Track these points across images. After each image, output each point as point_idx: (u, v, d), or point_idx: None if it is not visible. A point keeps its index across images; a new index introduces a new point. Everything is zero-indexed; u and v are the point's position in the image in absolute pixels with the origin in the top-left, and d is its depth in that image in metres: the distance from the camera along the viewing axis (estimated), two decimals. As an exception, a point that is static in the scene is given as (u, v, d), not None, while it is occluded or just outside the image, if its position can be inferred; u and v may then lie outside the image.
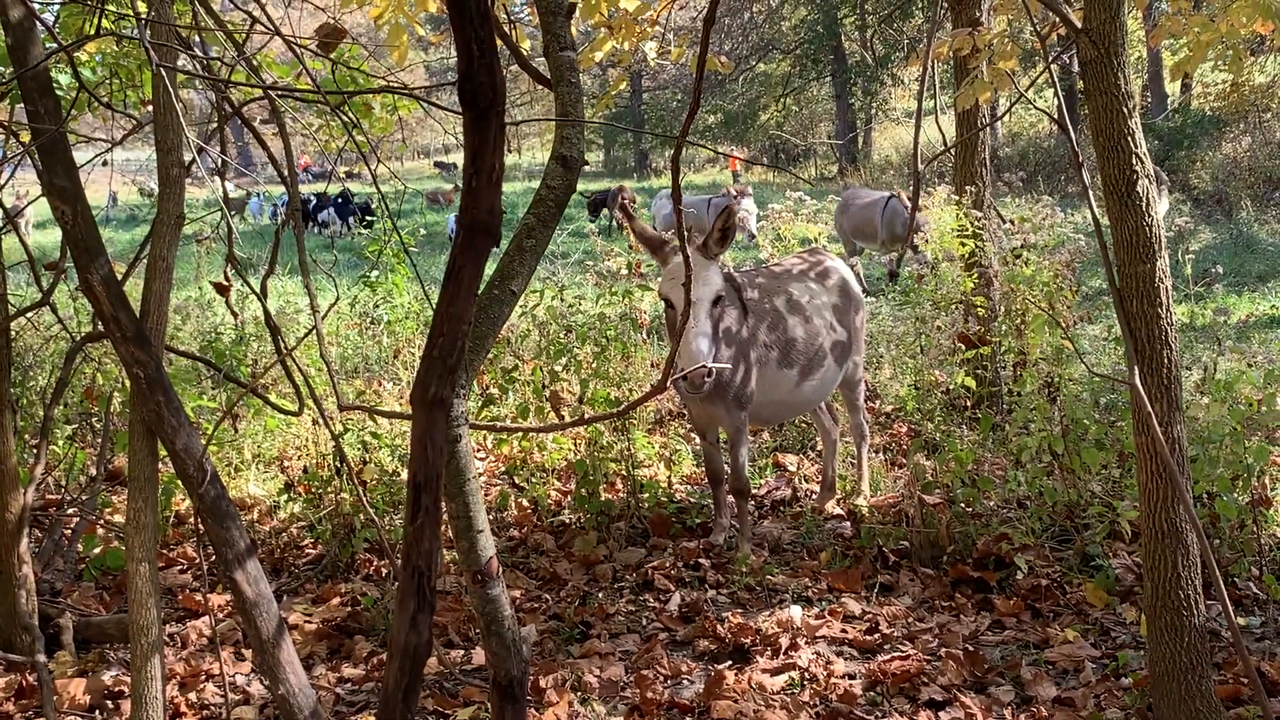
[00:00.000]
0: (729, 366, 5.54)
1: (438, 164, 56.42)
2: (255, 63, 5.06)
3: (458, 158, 51.46)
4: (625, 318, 7.69)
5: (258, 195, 31.66)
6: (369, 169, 4.16)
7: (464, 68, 1.42)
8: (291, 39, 3.66)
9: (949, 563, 5.58)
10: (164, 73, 3.20)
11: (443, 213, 34.90)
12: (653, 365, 8.96)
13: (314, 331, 4.82)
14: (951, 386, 7.82)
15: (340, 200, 28.24)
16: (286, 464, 7.29)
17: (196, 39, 4.46)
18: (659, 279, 5.58)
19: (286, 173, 5.48)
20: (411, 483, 1.67)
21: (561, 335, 7.33)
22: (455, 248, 1.56)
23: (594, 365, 7.02)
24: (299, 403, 4.56)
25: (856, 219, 15.90)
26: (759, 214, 16.86)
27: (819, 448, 7.61)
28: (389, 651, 1.85)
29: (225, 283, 4.87)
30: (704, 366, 4.96)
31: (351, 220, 27.39)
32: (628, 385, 7.39)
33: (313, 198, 27.99)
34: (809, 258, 6.78)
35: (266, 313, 4.87)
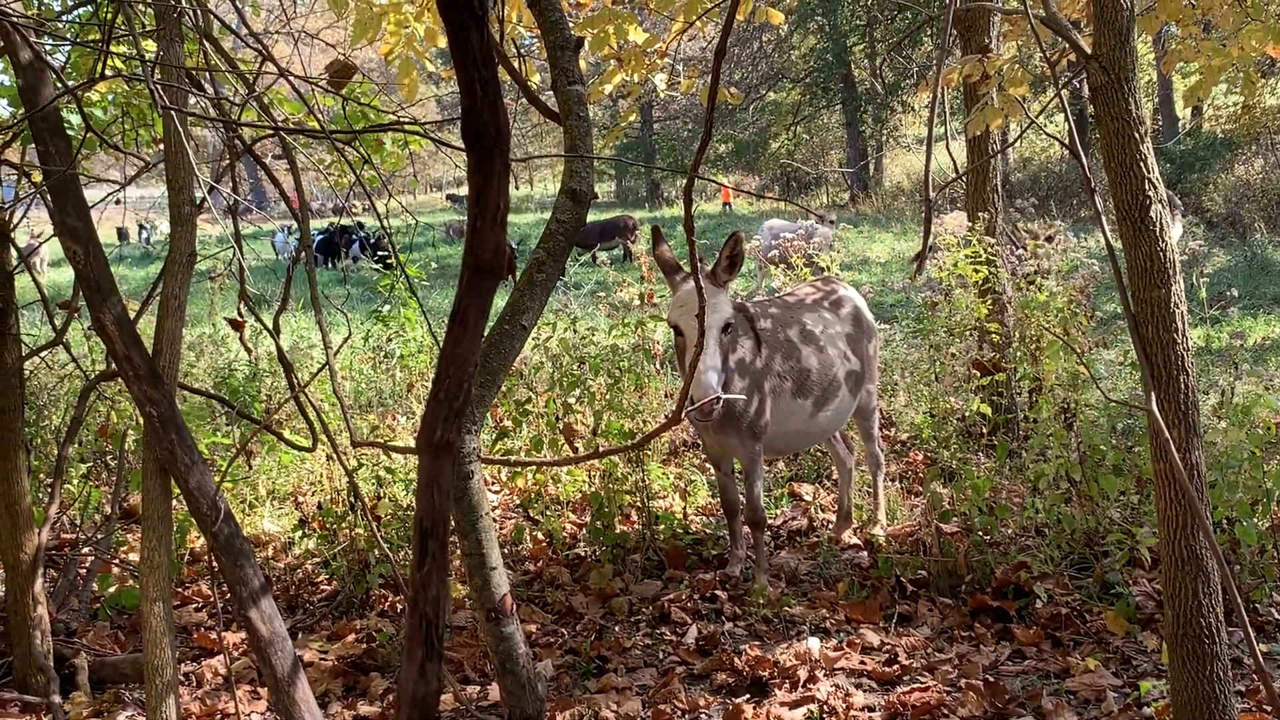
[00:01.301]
0: (741, 397, 5.53)
1: (450, 197, 56.67)
2: (265, 100, 5.10)
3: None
4: (638, 348, 7.68)
5: (283, 228, 31.80)
6: (375, 204, 4.17)
7: (467, 107, 1.42)
8: (301, 77, 3.68)
9: (967, 592, 5.54)
10: (173, 113, 3.22)
11: (457, 245, 35.08)
12: (666, 395, 8.95)
13: (327, 367, 4.83)
14: (967, 413, 7.79)
15: (366, 233, 28.45)
16: (301, 500, 7.28)
17: (207, 77, 4.49)
18: (669, 307, 5.58)
19: (298, 209, 5.51)
20: (418, 528, 1.67)
21: (575, 367, 7.32)
22: (460, 288, 1.56)
23: (607, 397, 7.01)
24: (313, 438, 4.57)
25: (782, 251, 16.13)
26: (773, 244, 16.83)
27: (834, 477, 7.58)
28: (397, 701, 1.83)
29: (239, 319, 4.89)
30: (715, 397, 4.95)
31: (377, 253, 27.59)
32: (642, 416, 7.37)
33: (339, 229, 28.15)
34: (822, 287, 6.78)
35: (279, 349, 4.88)
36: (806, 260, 10.41)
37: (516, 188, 60.62)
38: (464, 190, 54.26)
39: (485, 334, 3.25)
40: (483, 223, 1.49)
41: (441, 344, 1.59)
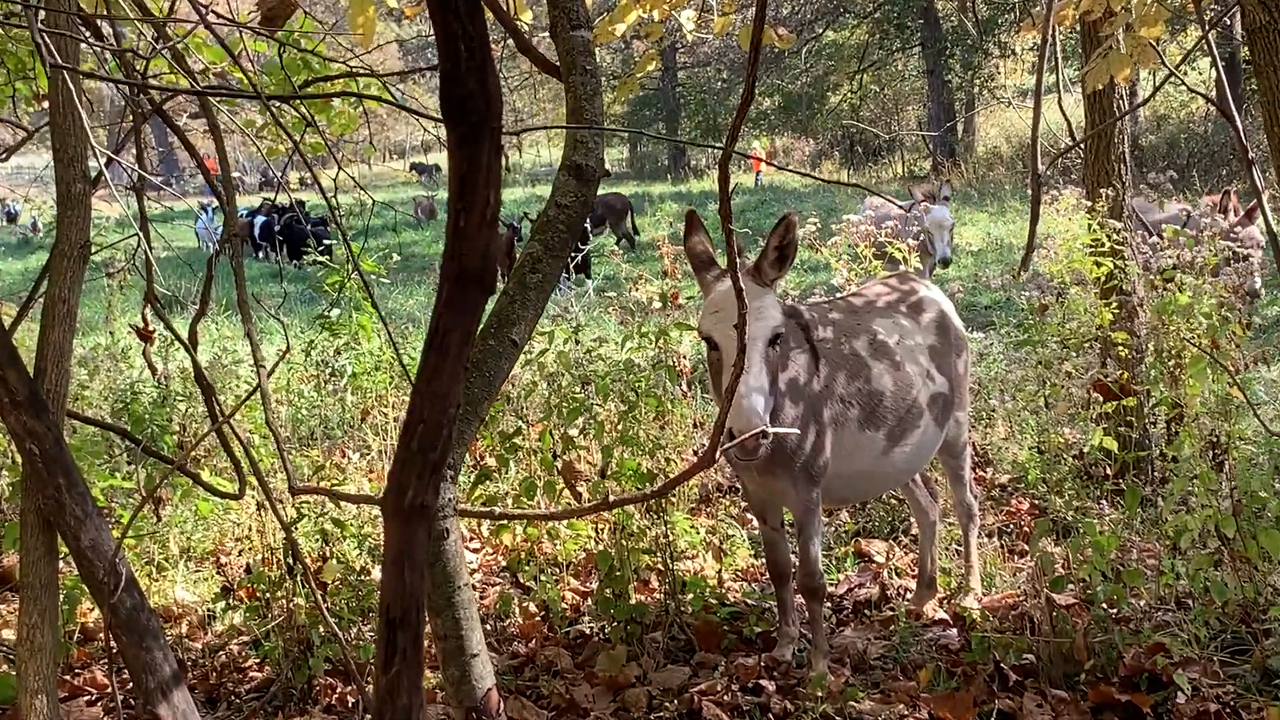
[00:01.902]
0: (794, 431, 5.52)
1: (416, 167, 56.87)
2: (180, 48, 5.12)
3: (440, 158, 51.90)
4: (660, 365, 7.69)
5: (206, 209, 31.68)
6: (319, 177, 4.19)
7: (448, 71, 1.41)
8: (226, 19, 3.71)
9: (1088, 682, 5.52)
10: (62, 65, 3.24)
11: (427, 230, 35.16)
12: (696, 425, 8.95)
13: (258, 390, 4.85)
14: (1086, 449, 7.76)
15: (310, 216, 28.53)
16: (224, 561, 7.30)
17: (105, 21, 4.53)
18: (700, 313, 5.57)
19: (220, 183, 5.54)
20: (384, 617, 1.66)
21: (577, 390, 7.33)
22: (439, 305, 1.56)
23: (620, 428, 7.01)
24: (239, 482, 4.58)
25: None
26: (835, 225, 16.68)
27: (913, 532, 7.57)
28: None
29: (146, 327, 4.92)
30: (760, 430, 4.94)
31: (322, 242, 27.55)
32: (664, 454, 7.37)
33: (283, 210, 28.24)
34: (898, 285, 6.78)
35: (196, 366, 4.90)
36: (925, 247, 10.33)
37: (506, 165, 60.85)
38: (433, 159, 54.51)
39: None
40: (468, 220, 1.49)
41: (415, 377, 1.59)
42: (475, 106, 1.45)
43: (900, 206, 15.39)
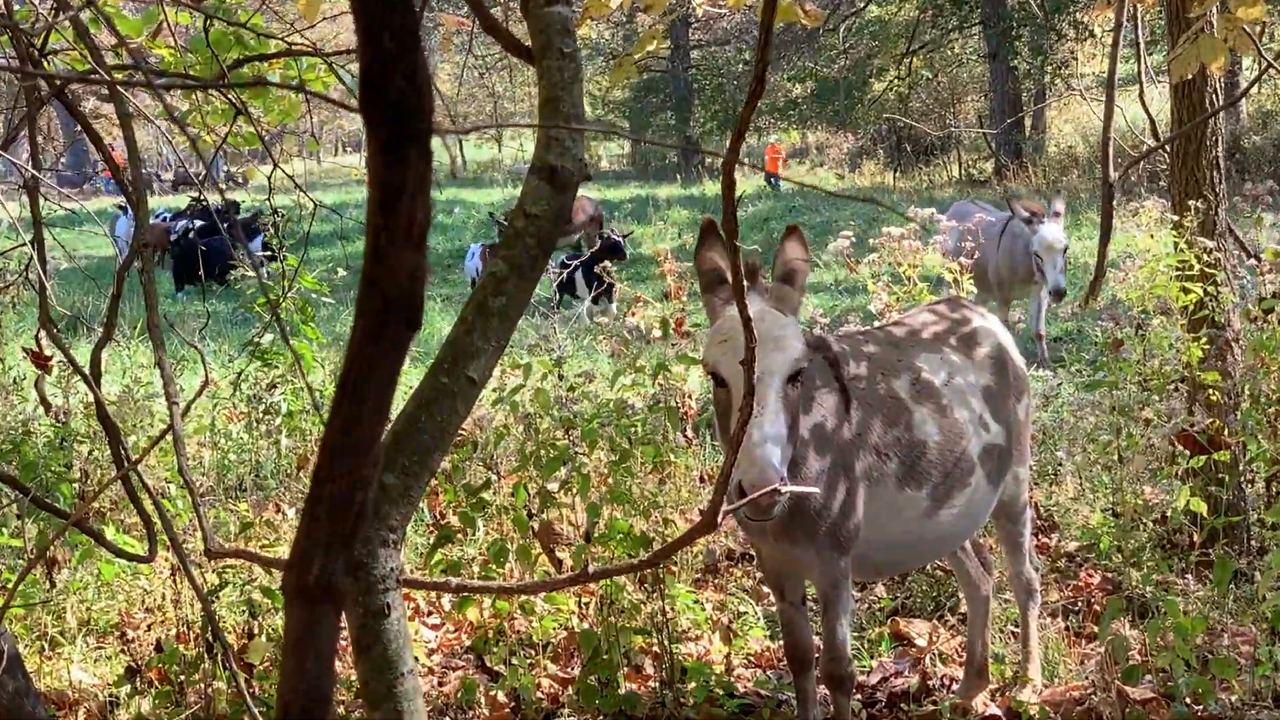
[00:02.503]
0: (815, 490, 5.51)
1: (373, 163, 56.93)
2: (84, 19, 5.15)
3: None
4: (659, 406, 7.69)
5: (125, 212, 31.65)
6: (247, 175, 4.21)
7: (369, 65, 1.41)
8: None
9: (1167, 794, 5.51)
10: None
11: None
12: (702, 479, 8.94)
13: (170, 432, 4.85)
14: (1170, 513, 7.76)
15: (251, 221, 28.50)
16: (131, 637, 7.28)
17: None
18: (706, 342, 5.57)
19: (131, 182, 5.56)
20: (281, 715, 1.66)
21: (559, 435, 7.33)
22: (353, 343, 1.56)
23: (609, 482, 7.01)
24: (150, 542, 4.58)
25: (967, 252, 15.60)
26: (874, 240, 16.47)
27: (962, 610, 7.55)
28: None
29: (40, 353, 4.94)
30: (775, 485, 4.92)
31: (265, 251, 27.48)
32: (662, 513, 7.37)
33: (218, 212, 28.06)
34: (947, 313, 6.76)
35: (99, 402, 4.91)
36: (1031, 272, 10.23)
37: (461, 159, 60.94)
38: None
39: (412, 395, 3.26)
40: (390, 240, 1.49)
41: (324, 428, 1.59)
42: (402, 107, 1.45)
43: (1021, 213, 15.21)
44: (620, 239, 22.48)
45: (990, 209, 16.90)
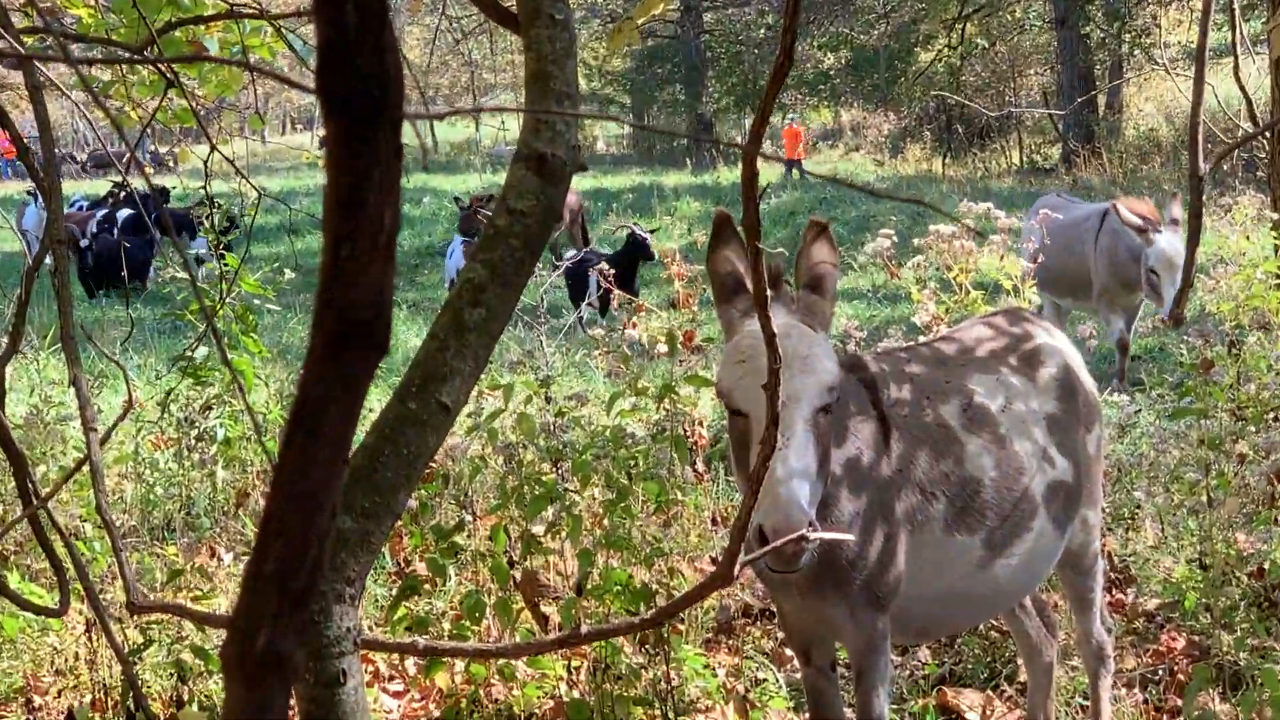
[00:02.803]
0: (849, 536, 5.45)
1: (326, 140, 57.14)
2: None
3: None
4: (665, 435, 7.67)
5: (35, 198, 31.50)
6: (179, 155, 4.16)
7: (329, 42, 1.38)
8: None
9: None
10: None
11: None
12: (715, 521, 8.91)
13: (87, 463, 4.81)
14: (1268, 565, 7.72)
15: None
16: (39, 703, 7.25)
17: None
18: (721, 361, 5.52)
19: (42, 165, 5.52)
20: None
21: (545, 468, 7.31)
22: (307, 370, 1.52)
23: (605, 523, 6.99)
24: (61, 593, 4.54)
25: (1049, 253, 14.88)
26: (919, 239, 16.16)
27: (1021, 679, 7.52)
28: None
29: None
30: (802, 533, 4.86)
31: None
32: (667, 561, 7.34)
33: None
34: (1006, 326, 6.72)
35: (2, 426, 4.86)
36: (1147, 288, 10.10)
37: (432, 141, 60.95)
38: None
39: (374, 428, 3.22)
40: (354, 250, 1.45)
41: (274, 470, 1.55)
42: (368, 89, 1.42)
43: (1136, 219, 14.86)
44: (646, 236, 21.90)
45: (1080, 202, 16.75)
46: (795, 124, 46.02)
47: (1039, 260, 12.47)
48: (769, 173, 39.72)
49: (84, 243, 27.70)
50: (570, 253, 20.33)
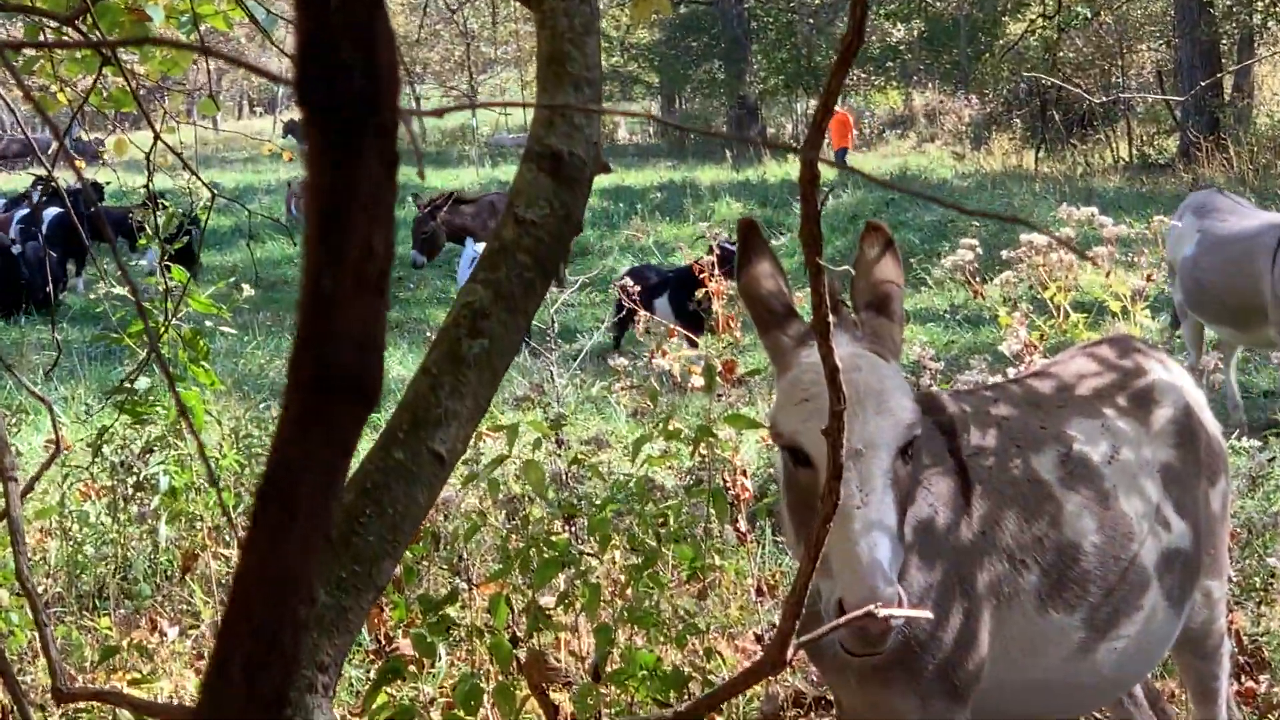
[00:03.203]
0: (926, 613, 5.44)
1: (291, 128, 56.99)
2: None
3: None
4: (701, 488, 7.69)
5: None
6: (114, 145, 4.23)
7: (309, 32, 1.39)
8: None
9: None
10: None
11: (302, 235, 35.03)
12: (759, 592, 8.93)
13: (5, 519, 4.86)
14: None
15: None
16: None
17: None
18: (774, 401, 5.49)
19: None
20: None
21: (557, 527, 7.34)
22: (282, 430, 1.54)
23: (628, 594, 7.01)
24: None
25: (1208, 268, 14.69)
26: (1008, 251, 15.73)
27: (1129, 787, 7.53)
28: None
29: None
30: (877, 605, 4.80)
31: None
32: (703, 639, 7.37)
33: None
34: (1112, 357, 6.72)
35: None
36: None
37: (420, 129, 60.82)
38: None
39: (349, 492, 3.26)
40: (335, 282, 1.46)
41: (240, 548, 1.58)
42: (353, 90, 1.42)
43: None
44: (732, 248, 21.21)
45: (1248, 206, 16.20)
46: (845, 110, 45.69)
47: (1190, 275, 12.30)
48: (824, 170, 39.49)
49: (15, 249, 27.37)
50: (622, 270, 19.94)
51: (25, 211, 29.71)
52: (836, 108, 7.45)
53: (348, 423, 1.53)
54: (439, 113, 2.21)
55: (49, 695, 6.62)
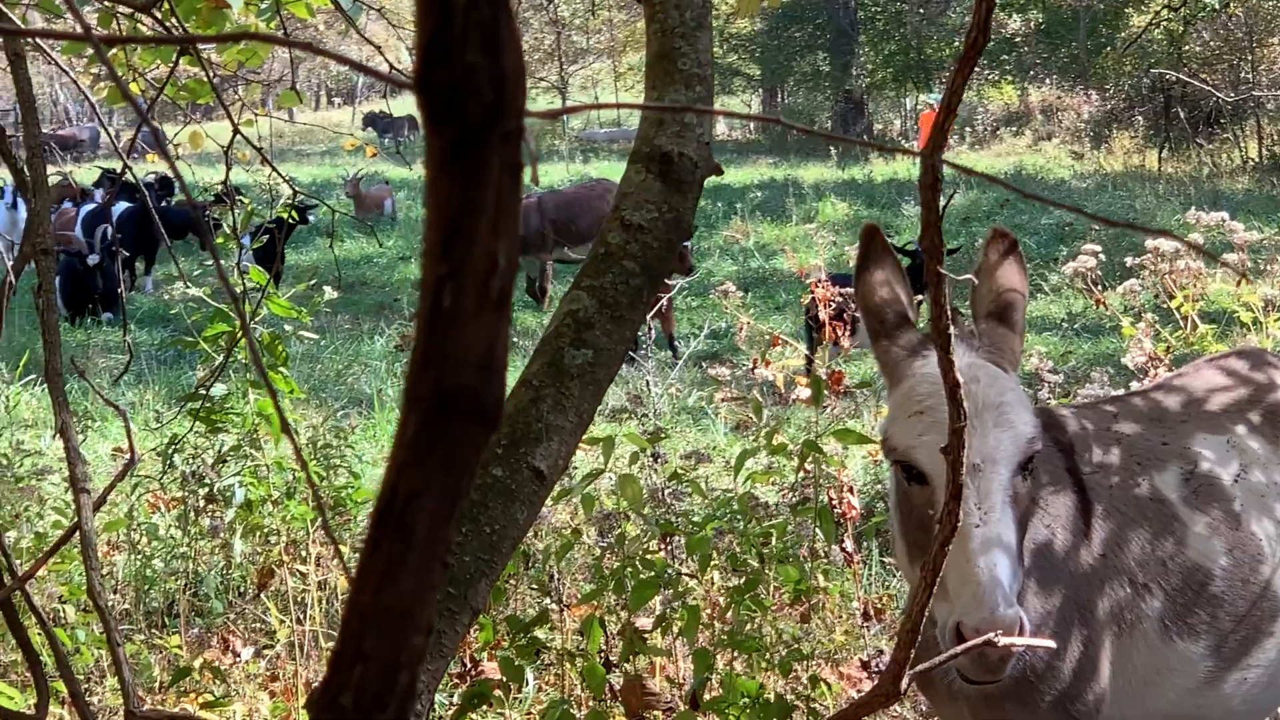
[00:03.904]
0: (1050, 642, 5.40)
1: (371, 121, 57.07)
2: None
3: (408, 105, 51.53)
4: (806, 507, 7.67)
5: (3, 191, 31.23)
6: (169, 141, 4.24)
7: (432, 33, 1.38)
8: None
9: None
10: None
11: (388, 234, 34.93)
12: (867, 616, 8.90)
13: (76, 532, 4.88)
14: None
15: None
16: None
17: None
18: (886, 414, 5.47)
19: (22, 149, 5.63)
20: None
21: (653, 546, 7.32)
22: (398, 452, 1.52)
23: (728, 617, 7.00)
24: (39, 694, 4.61)
25: None
26: (1134, 259, 15.72)
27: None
28: None
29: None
30: (997, 633, 4.78)
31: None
32: (809, 667, 7.35)
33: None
34: (1242, 370, 6.68)
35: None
36: None
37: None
38: (401, 108, 54.67)
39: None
40: (456, 299, 1.45)
41: (353, 579, 1.57)
42: (477, 95, 1.42)
43: None
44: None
45: None
46: (933, 109, 45.26)
47: None
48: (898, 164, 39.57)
49: (92, 258, 26.85)
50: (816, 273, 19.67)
51: (92, 207, 29.47)
52: (932, 108, 7.45)
53: (468, 446, 1.50)
54: (555, 114, 2.20)
55: (118, 718, 6.64)
